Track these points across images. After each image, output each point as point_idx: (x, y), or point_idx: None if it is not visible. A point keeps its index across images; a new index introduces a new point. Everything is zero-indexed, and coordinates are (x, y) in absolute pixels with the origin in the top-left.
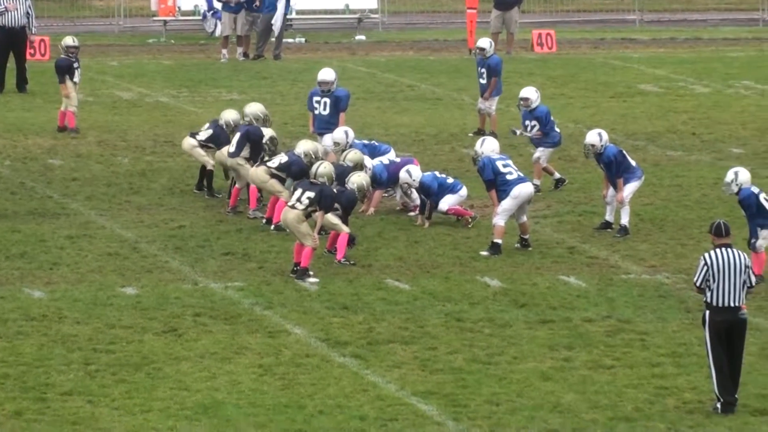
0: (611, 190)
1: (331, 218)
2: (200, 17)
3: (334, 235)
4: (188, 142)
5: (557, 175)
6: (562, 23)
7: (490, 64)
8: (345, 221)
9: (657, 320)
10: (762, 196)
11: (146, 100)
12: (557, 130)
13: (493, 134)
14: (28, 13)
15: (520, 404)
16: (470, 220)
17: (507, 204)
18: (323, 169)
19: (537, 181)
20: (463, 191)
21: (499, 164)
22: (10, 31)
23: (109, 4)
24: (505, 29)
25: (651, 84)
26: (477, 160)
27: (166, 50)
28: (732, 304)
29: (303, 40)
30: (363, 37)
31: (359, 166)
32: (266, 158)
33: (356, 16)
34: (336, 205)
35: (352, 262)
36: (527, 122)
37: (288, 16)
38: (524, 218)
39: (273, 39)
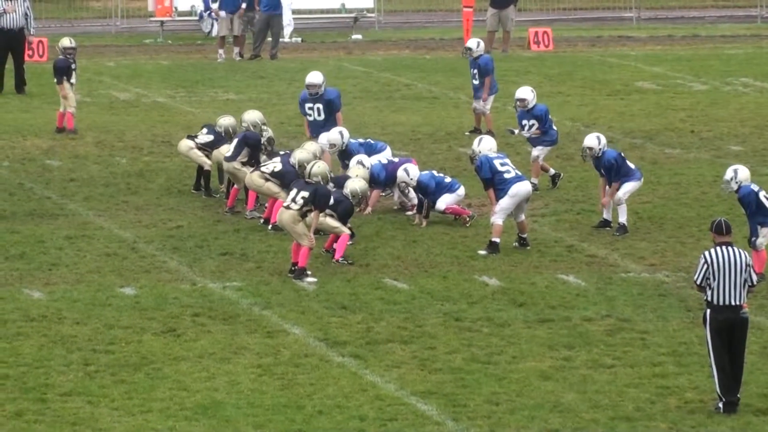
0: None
1: (331, 222)
2: (197, 18)
3: (333, 236)
4: (185, 144)
5: (552, 171)
6: (558, 21)
7: (480, 64)
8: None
9: (657, 319)
10: (762, 194)
11: (143, 100)
12: (555, 128)
13: (490, 133)
14: (26, 14)
15: (519, 404)
16: (468, 219)
17: (505, 203)
18: (317, 168)
19: (535, 180)
20: (461, 190)
21: (496, 163)
22: (8, 32)
23: (106, 5)
24: (501, 27)
25: (649, 81)
26: (474, 158)
27: (163, 51)
28: (733, 303)
29: (299, 39)
30: (359, 37)
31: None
32: (261, 161)
33: (352, 15)
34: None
35: (350, 262)
36: (524, 121)
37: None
38: (522, 217)
39: (269, 39)
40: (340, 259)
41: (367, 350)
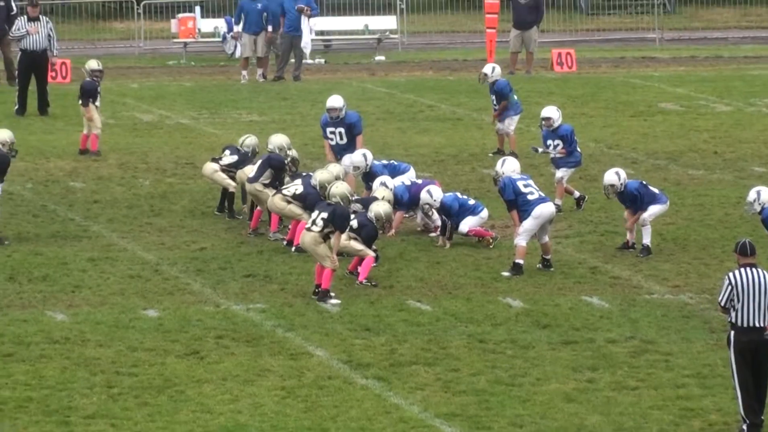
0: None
1: (355, 245)
2: (220, 39)
3: (357, 258)
4: (210, 167)
5: (577, 194)
6: (581, 42)
7: (497, 89)
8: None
9: (681, 341)
10: None
11: (167, 122)
12: (579, 149)
13: (513, 154)
14: (49, 36)
15: (543, 426)
16: (491, 240)
17: (528, 224)
18: (335, 189)
19: (559, 201)
20: (484, 213)
21: (520, 184)
22: (31, 54)
23: (129, 26)
24: (524, 49)
25: (672, 103)
26: (498, 180)
27: (187, 72)
28: (757, 325)
29: (323, 61)
30: (383, 58)
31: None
32: (285, 182)
33: (376, 36)
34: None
35: (373, 284)
36: (549, 141)
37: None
38: (546, 238)
39: (293, 60)
40: (364, 281)
41: (391, 372)
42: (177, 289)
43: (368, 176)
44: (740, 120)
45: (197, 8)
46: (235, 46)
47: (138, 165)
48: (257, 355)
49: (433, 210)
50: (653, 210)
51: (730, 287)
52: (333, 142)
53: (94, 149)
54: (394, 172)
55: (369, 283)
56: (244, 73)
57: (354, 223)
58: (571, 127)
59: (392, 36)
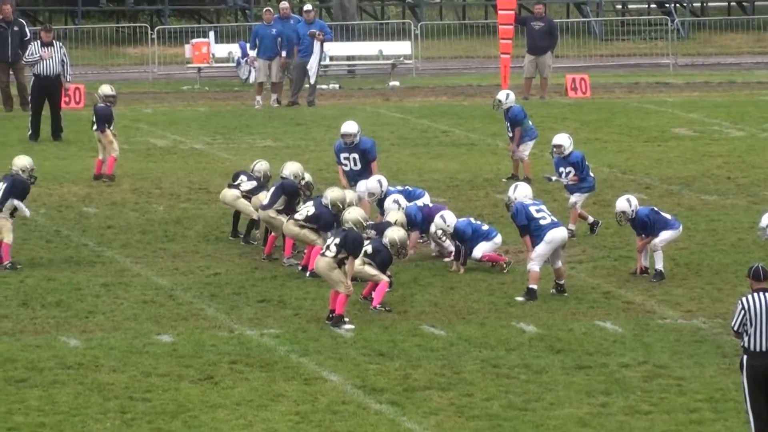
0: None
1: (369, 270)
2: (234, 64)
3: (372, 284)
4: (231, 194)
5: (591, 219)
6: (595, 68)
7: (510, 116)
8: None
9: (694, 365)
10: None
11: (181, 147)
12: (592, 174)
13: (527, 179)
14: (63, 61)
15: None
16: (504, 265)
17: (541, 249)
18: (349, 214)
19: (573, 227)
20: (498, 239)
21: (532, 209)
22: (45, 79)
23: (143, 51)
24: (538, 74)
25: (685, 128)
26: (510, 205)
27: (201, 97)
28: None
29: (337, 86)
30: (397, 83)
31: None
32: (298, 206)
33: (390, 61)
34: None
35: (387, 309)
36: (561, 168)
37: (322, 63)
38: (559, 263)
39: (307, 85)
40: (378, 306)
41: (405, 397)
42: (191, 314)
43: (383, 203)
44: (753, 145)
45: (211, 33)
46: (250, 72)
47: (152, 190)
48: (271, 380)
49: (447, 235)
50: (665, 236)
51: (743, 312)
52: (347, 168)
53: (109, 172)
54: (409, 197)
55: (383, 309)
56: (259, 98)
57: (368, 248)
58: (582, 153)
59: (407, 61)
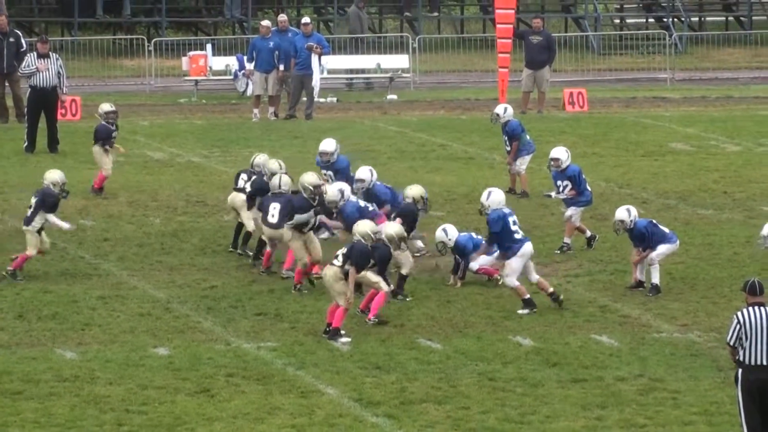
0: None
1: (371, 276)
2: (231, 77)
3: (370, 296)
4: (240, 198)
5: (588, 233)
6: (593, 82)
7: (508, 130)
8: (383, 276)
9: (689, 379)
10: None
11: (178, 159)
12: (589, 188)
13: (525, 193)
14: (59, 73)
15: None
16: (499, 278)
17: (515, 263)
18: (357, 227)
19: (568, 240)
20: (497, 253)
21: (510, 221)
22: (41, 91)
23: (140, 64)
24: (536, 88)
25: (682, 143)
26: (484, 212)
27: (198, 110)
28: (765, 363)
29: (335, 99)
30: (395, 97)
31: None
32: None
33: (388, 75)
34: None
35: (384, 321)
36: (559, 182)
37: (320, 76)
38: (536, 276)
39: (305, 98)
40: (373, 318)
41: (401, 410)
42: (187, 327)
43: (369, 196)
44: (750, 160)
45: (209, 46)
46: (247, 84)
47: (149, 203)
48: (268, 393)
49: (447, 249)
50: (662, 249)
51: (738, 326)
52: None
53: (97, 186)
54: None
55: (377, 320)
56: (256, 111)
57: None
58: (579, 167)
59: (404, 75)
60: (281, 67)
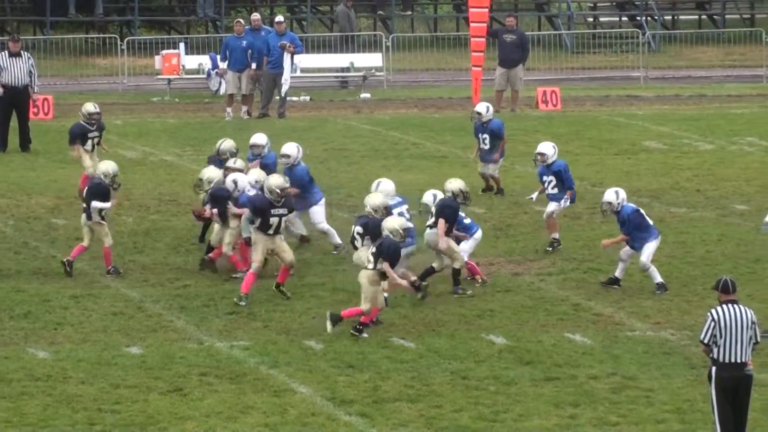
0: (627, 248)
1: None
2: (204, 75)
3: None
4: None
5: (557, 235)
6: (566, 81)
7: (492, 129)
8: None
9: (662, 377)
10: None
11: (150, 158)
12: (573, 187)
13: (501, 191)
14: (30, 71)
15: None
16: (480, 281)
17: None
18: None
19: (556, 235)
20: (478, 234)
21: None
22: (12, 90)
23: (112, 62)
24: (509, 86)
25: (655, 141)
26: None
27: (171, 109)
28: (738, 360)
29: (308, 98)
30: (368, 95)
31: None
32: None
33: (361, 74)
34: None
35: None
36: (545, 177)
37: (293, 75)
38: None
39: (277, 97)
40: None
41: (374, 409)
42: (160, 326)
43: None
44: (723, 158)
45: (182, 45)
46: (220, 83)
47: (121, 202)
48: (241, 392)
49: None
50: (649, 250)
51: (713, 323)
52: None
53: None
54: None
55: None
56: (229, 110)
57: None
58: (565, 162)
59: (378, 73)
60: (254, 66)
